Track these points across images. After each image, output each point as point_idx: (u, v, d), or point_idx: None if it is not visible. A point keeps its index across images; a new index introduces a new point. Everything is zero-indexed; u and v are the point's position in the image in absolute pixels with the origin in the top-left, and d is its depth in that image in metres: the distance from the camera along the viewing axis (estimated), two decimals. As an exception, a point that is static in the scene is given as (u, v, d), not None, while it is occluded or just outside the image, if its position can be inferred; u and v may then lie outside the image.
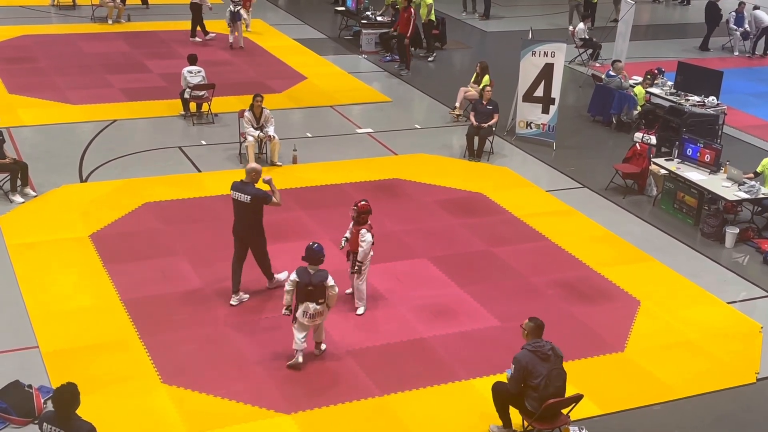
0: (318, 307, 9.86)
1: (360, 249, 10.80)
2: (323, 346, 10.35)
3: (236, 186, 10.99)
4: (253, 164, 11.42)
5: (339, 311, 11.12)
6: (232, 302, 11.22)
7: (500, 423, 9.17)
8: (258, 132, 15.21)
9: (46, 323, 10.63)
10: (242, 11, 22.14)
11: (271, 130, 15.31)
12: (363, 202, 10.96)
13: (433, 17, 22.69)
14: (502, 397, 9.00)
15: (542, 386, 8.63)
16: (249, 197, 10.83)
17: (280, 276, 11.54)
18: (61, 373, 9.48)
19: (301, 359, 10.02)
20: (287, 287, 9.89)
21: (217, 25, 23.09)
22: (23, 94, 18.24)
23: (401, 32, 21.20)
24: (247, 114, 15.25)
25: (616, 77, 18.58)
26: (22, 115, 17.16)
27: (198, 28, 22.49)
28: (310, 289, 9.79)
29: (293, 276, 9.85)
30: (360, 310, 11.20)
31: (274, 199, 11.03)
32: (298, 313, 9.88)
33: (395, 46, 22.00)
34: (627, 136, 17.53)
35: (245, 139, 15.43)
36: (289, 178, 15.03)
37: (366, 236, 10.81)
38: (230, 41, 21.97)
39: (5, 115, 16.98)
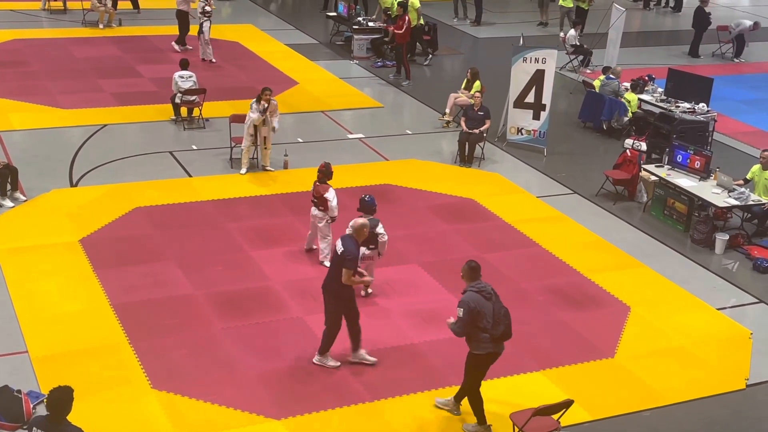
0: (368, 251, 11.33)
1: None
2: (370, 290, 11.74)
3: (342, 236, 10.19)
4: (359, 220, 10.38)
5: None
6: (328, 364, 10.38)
7: (474, 421, 9.24)
8: (258, 114, 14.84)
9: (35, 328, 10.59)
10: (206, 25, 20.84)
11: (275, 122, 15.12)
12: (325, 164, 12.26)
13: (421, 21, 22.76)
14: (476, 383, 9.10)
15: (491, 326, 8.75)
16: (342, 249, 9.87)
17: (368, 356, 10.40)
18: (51, 379, 9.45)
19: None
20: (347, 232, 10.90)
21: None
22: (14, 98, 18.19)
23: (398, 42, 21.15)
24: (253, 104, 14.94)
25: (615, 80, 18.64)
26: (12, 119, 17.11)
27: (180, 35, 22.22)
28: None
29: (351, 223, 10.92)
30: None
31: (345, 275, 9.76)
32: None
33: (392, 55, 22.03)
34: (617, 143, 17.57)
35: (236, 144, 15.45)
36: (280, 183, 15.02)
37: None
38: (201, 56, 21.23)
39: (-5, 119, 16.97)
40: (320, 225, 12.29)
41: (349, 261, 9.73)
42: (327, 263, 11.96)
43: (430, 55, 23.19)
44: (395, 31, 21.06)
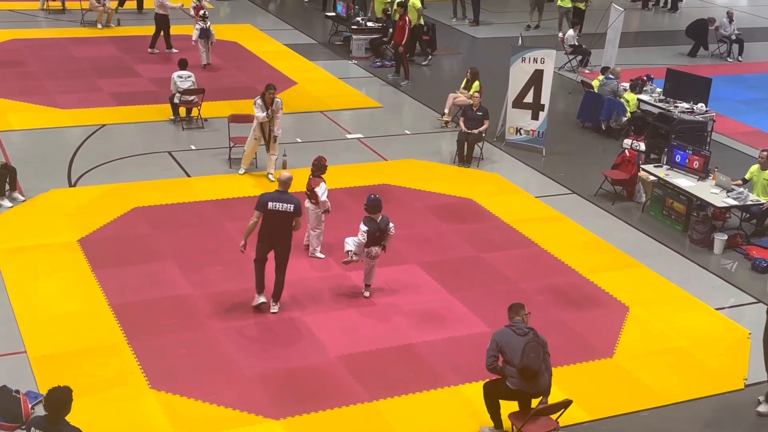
0: (378, 249, 11.35)
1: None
2: (368, 293, 11.72)
3: (272, 197, 10.96)
4: (285, 173, 11.29)
5: (331, 314, 11.14)
6: (262, 303, 11.26)
7: (491, 424, 9.19)
8: (264, 114, 14.65)
9: (34, 328, 10.58)
10: (211, 28, 20.65)
11: (276, 129, 14.87)
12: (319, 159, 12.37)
13: (422, 21, 22.78)
14: (492, 396, 9.06)
15: (516, 359, 8.72)
16: (292, 206, 10.87)
17: (273, 307, 11.31)
18: (49, 379, 9.44)
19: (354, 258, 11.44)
20: (361, 238, 11.13)
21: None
22: (12, 98, 18.17)
23: (396, 41, 21.18)
24: (258, 101, 14.78)
25: (614, 80, 18.65)
26: (11, 119, 17.10)
27: (158, 38, 21.98)
28: (378, 234, 11.26)
29: (363, 227, 11.14)
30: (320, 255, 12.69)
31: (300, 221, 11.15)
32: (363, 255, 11.33)
33: (392, 56, 22.06)
34: (616, 143, 17.58)
35: (235, 144, 15.44)
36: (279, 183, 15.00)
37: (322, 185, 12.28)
38: (203, 61, 20.95)
39: (-6, 119, 16.95)
40: (312, 217, 12.44)
41: (301, 208, 10.94)
42: (318, 255, 12.64)
43: (429, 56, 23.20)
44: (396, 40, 21.11)
